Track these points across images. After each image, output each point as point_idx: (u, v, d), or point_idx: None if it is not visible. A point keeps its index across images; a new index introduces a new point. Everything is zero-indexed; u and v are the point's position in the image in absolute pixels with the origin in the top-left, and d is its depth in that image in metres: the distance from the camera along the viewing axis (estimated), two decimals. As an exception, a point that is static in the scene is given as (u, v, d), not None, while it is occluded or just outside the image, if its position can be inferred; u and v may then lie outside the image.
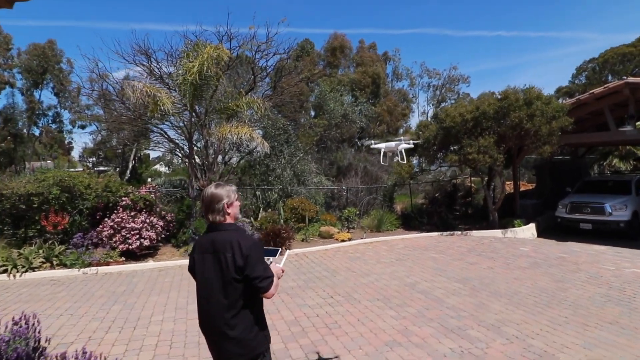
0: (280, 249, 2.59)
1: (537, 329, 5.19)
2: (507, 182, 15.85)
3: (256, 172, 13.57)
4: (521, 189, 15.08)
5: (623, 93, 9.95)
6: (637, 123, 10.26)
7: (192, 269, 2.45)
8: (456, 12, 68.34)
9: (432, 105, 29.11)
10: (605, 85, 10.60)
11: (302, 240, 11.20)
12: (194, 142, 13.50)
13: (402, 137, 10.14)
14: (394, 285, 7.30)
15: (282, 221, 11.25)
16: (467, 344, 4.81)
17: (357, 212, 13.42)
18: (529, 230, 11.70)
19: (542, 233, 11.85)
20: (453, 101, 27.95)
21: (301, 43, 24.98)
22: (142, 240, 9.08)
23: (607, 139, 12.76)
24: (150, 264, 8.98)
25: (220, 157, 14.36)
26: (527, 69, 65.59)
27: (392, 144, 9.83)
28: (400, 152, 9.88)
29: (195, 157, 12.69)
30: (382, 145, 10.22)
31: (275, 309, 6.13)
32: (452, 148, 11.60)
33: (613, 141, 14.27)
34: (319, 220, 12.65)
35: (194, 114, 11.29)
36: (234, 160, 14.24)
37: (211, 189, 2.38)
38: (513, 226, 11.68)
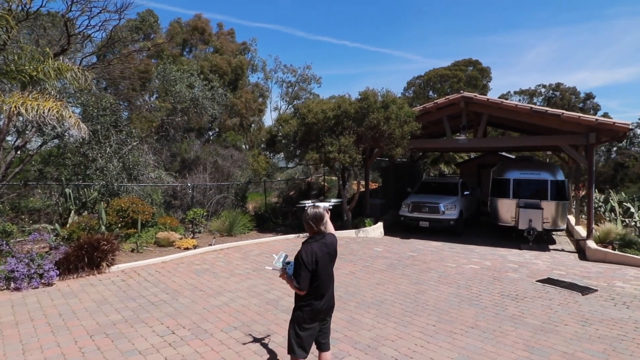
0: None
1: (412, 345, 4.77)
2: (356, 182, 16.49)
3: (67, 163, 10.22)
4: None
5: (459, 105, 11.17)
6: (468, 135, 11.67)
7: (316, 263, 3.27)
8: (308, 16, 71.45)
9: (286, 101, 28.93)
10: (446, 97, 11.77)
11: (133, 250, 8.85)
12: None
13: (332, 199, 11.80)
14: (254, 305, 6.06)
15: (103, 228, 8.61)
16: (348, 380, 3.98)
17: (205, 214, 11.62)
18: (378, 229, 12.12)
19: (387, 231, 12.45)
20: (304, 100, 28.31)
21: (142, 14, 21.19)
22: None
23: (444, 146, 14.45)
24: None
25: (11, 139, 10.41)
26: (367, 78, 73.42)
27: (323, 204, 11.08)
28: (329, 208, 10.77)
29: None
30: (320, 205, 10.86)
31: (83, 365, 4.13)
32: (311, 146, 11.02)
33: (449, 148, 16.39)
34: (155, 225, 10.37)
35: (-42, 72, 7.60)
36: (34, 145, 10.50)
37: (316, 210, 3.45)
38: (364, 225, 11.89)
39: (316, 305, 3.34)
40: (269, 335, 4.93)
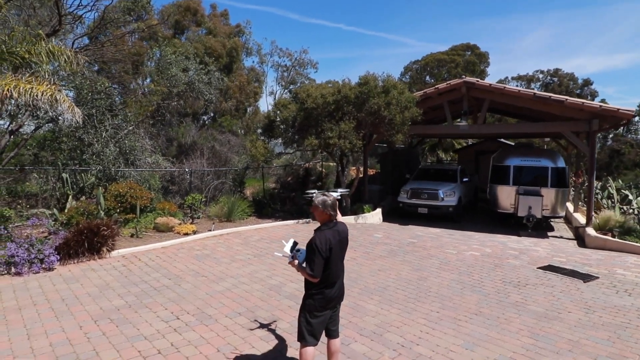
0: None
1: (417, 332, 4.79)
2: (354, 168, 16.43)
3: (63, 147, 10.02)
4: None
5: (460, 90, 11.06)
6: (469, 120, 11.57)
7: (330, 250, 3.22)
8: (302, -2, 69.97)
9: (281, 86, 28.56)
10: (447, 82, 11.64)
11: (132, 235, 8.78)
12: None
13: (338, 189, 11.55)
14: (257, 290, 6.05)
15: (102, 213, 8.51)
16: (356, 366, 4.00)
17: (203, 199, 11.53)
18: (377, 215, 12.11)
19: (386, 217, 12.45)
20: (300, 85, 27.96)
21: (133, -7, 20.58)
22: None
23: (445, 132, 14.36)
24: None
25: (3, 123, 10.18)
26: (362, 62, 72.51)
27: (333, 194, 10.96)
28: (339, 198, 10.95)
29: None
30: (331, 194, 10.93)
31: (92, 350, 4.10)
32: (310, 131, 10.88)
33: (450, 134, 16.29)
34: (154, 210, 10.28)
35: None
36: (28, 129, 10.26)
37: (329, 198, 3.38)
38: (363, 212, 11.88)
39: (328, 293, 3.31)
40: (275, 321, 4.92)
